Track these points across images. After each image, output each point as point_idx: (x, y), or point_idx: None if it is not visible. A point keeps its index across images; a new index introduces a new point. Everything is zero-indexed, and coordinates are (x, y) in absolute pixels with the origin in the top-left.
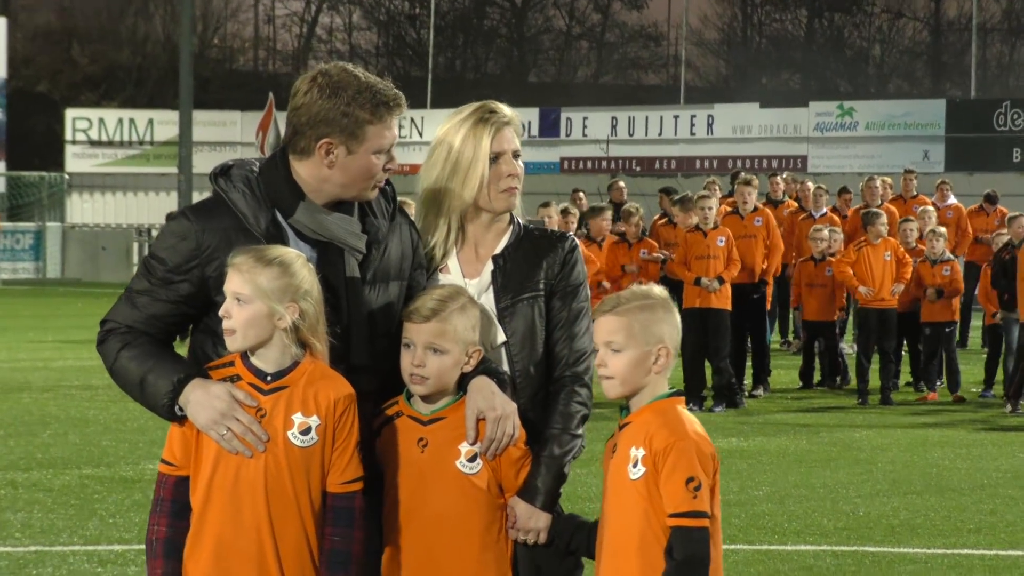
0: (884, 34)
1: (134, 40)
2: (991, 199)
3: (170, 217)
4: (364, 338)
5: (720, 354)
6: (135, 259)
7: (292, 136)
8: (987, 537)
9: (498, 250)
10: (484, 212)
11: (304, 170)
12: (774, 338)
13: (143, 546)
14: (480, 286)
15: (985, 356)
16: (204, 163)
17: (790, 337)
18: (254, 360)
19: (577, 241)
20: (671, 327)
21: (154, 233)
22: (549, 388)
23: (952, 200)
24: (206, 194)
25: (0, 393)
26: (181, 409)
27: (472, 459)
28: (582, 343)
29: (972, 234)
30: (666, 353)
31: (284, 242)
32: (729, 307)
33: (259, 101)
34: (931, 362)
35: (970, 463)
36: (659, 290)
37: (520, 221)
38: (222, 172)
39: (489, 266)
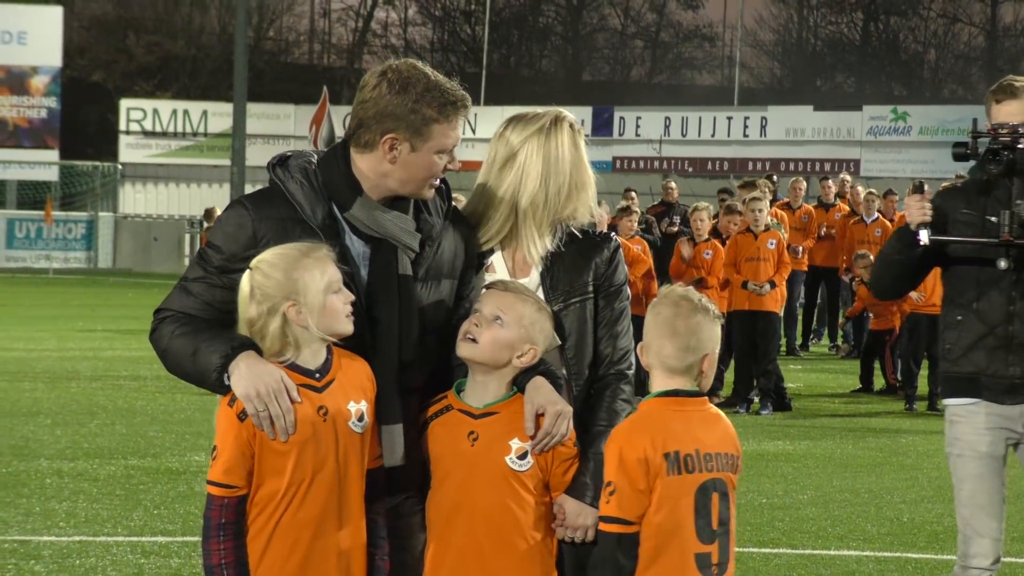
0: (940, 38)
1: (189, 31)
2: None
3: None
4: (415, 335)
5: (768, 356)
6: (187, 250)
7: (356, 129)
8: None
9: (548, 250)
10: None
11: (365, 164)
12: (824, 342)
13: (186, 538)
14: (529, 287)
15: None
16: (257, 155)
17: (839, 341)
18: (299, 362)
19: (619, 241)
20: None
21: (204, 224)
22: (594, 386)
23: None
24: (259, 186)
25: (48, 382)
26: (228, 378)
27: (523, 456)
28: (624, 341)
29: None
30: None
31: (339, 235)
32: (778, 310)
33: (313, 95)
34: None
35: (1016, 470)
36: (688, 291)
37: (562, 223)
38: (280, 162)
39: (537, 268)
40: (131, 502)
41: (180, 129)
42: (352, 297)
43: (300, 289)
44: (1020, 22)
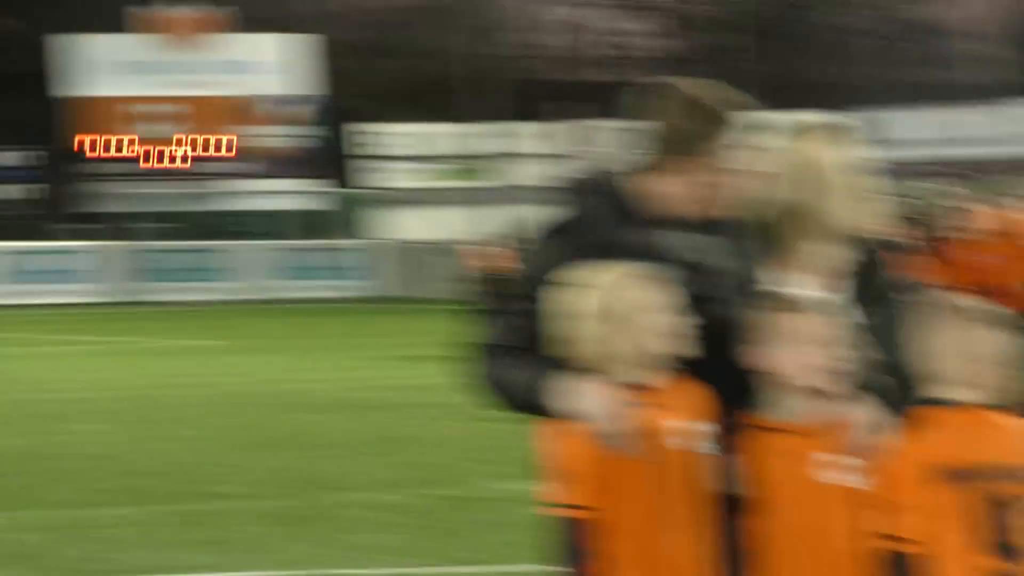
0: None
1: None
2: None
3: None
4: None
5: None
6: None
7: (644, 151)
8: None
9: (847, 264)
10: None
11: (655, 185)
12: None
13: (496, 567)
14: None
15: None
16: (528, 175)
17: None
18: None
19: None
20: None
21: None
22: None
23: None
24: (531, 207)
25: (345, 411)
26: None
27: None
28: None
29: None
30: None
31: (642, 259)
32: None
33: (578, 111)
34: None
35: None
36: None
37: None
38: (577, 185)
39: (845, 281)
40: (441, 531)
41: (443, 151)
42: None
43: None
44: None
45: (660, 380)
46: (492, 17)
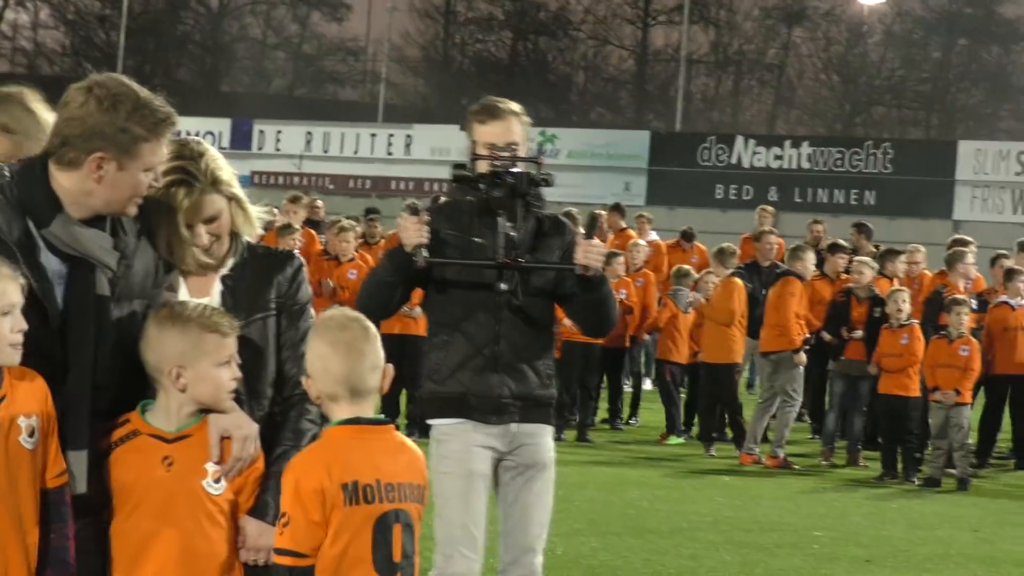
0: (589, 61)
1: None
2: (688, 236)
3: None
4: (109, 358)
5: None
6: None
7: (60, 147)
8: None
9: (226, 270)
10: None
11: (68, 182)
12: None
13: None
14: (212, 305)
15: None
16: None
17: None
18: None
19: (302, 259)
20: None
21: None
22: (278, 406)
23: (653, 235)
24: None
25: None
26: None
27: (218, 480)
28: None
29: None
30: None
31: (35, 253)
32: None
33: None
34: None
35: (669, 505)
36: (351, 325)
37: (244, 239)
38: None
39: (218, 287)
40: None
41: None
42: (24, 326)
43: None
44: (671, 46)
45: (5, 377)
46: None
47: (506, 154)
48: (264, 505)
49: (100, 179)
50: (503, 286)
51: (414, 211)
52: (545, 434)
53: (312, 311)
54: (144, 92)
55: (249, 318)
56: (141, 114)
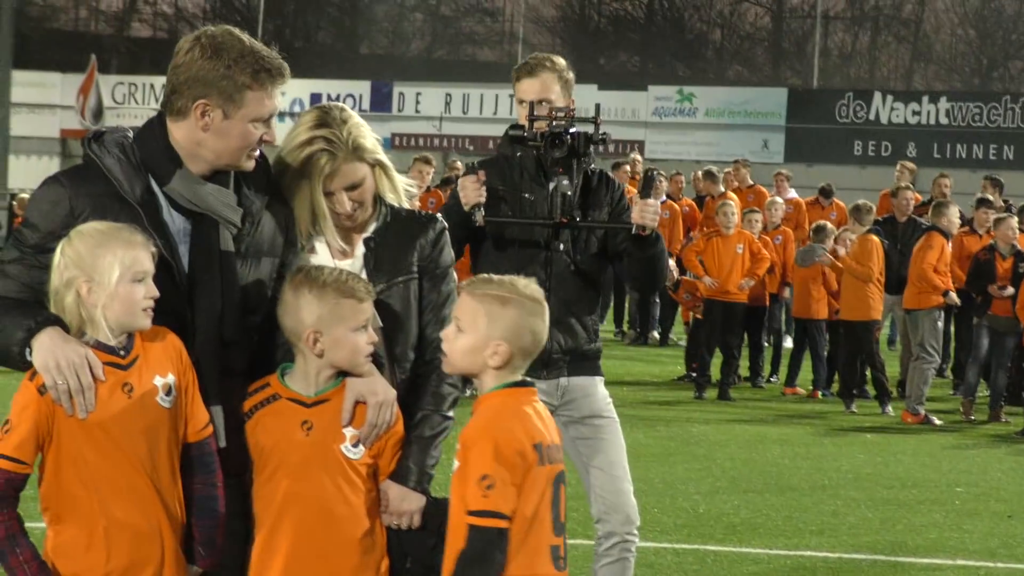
0: (725, 19)
1: None
2: (826, 192)
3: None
4: (237, 314)
5: None
6: None
7: (170, 95)
8: (829, 539)
9: (368, 232)
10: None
11: (180, 133)
12: (607, 327)
13: None
14: (352, 269)
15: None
16: (22, 125)
17: (624, 327)
18: (102, 339)
19: (444, 223)
20: (519, 327)
21: None
22: (419, 370)
23: (792, 193)
24: (23, 158)
25: None
26: (31, 352)
27: (356, 444)
28: None
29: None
30: (504, 351)
31: (158, 211)
32: None
33: (80, 63)
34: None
35: (810, 463)
36: (532, 287)
37: (389, 201)
38: (95, 137)
39: (360, 249)
40: None
41: None
42: (156, 293)
43: (97, 268)
44: (807, 3)
45: (136, 339)
46: None
47: (562, 115)
48: (405, 470)
49: (206, 127)
50: (561, 245)
51: (471, 169)
52: (596, 385)
53: (455, 274)
54: (253, 43)
55: (391, 281)
56: (246, 62)
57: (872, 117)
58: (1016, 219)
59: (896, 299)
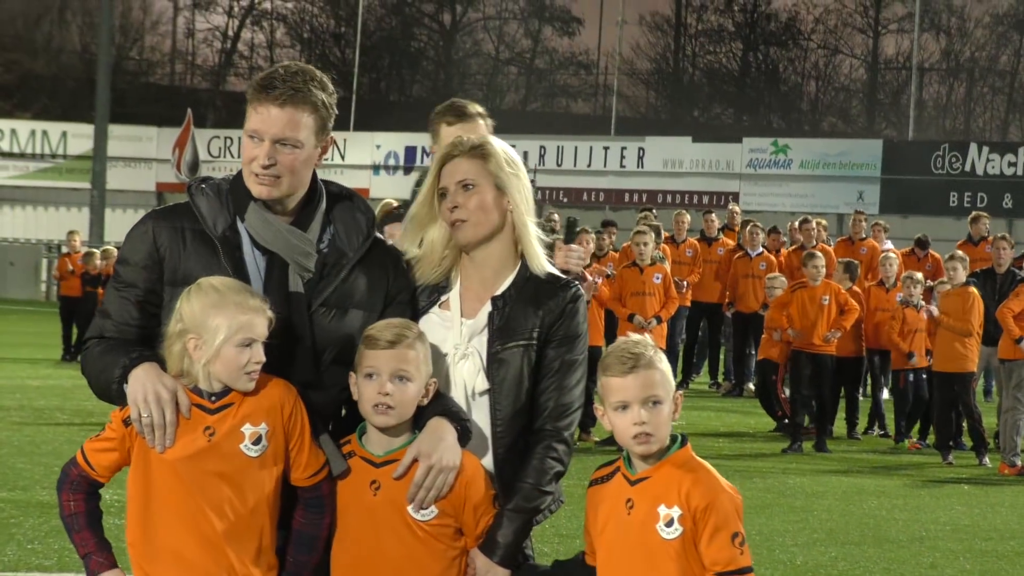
0: (820, 70)
1: (49, 49)
2: (922, 244)
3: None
4: (309, 357)
5: None
6: (43, 275)
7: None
8: None
9: (500, 291)
10: (483, 247)
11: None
12: (702, 379)
13: (64, 574)
14: (475, 328)
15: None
16: (118, 179)
17: (719, 379)
18: (200, 385)
19: (581, 290)
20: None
21: (64, 249)
22: (527, 438)
23: (888, 244)
24: (119, 211)
25: None
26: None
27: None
28: (571, 396)
29: None
30: (680, 401)
31: (238, 247)
32: (663, 345)
33: (176, 117)
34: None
35: (907, 514)
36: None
37: (531, 263)
38: (202, 180)
39: (487, 307)
40: (3, 537)
41: (39, 150)
42: (262, 358)
43: (207, 327)
44: (902, 54)
45: (220, 386)
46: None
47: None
48: (493, 544)
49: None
50: None
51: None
52: None
53: (583, 344)
54: (286, 65)
55: (506, 343)
56: (255, 81)
57: (968, 168)
58: None
59: (992, 350)
